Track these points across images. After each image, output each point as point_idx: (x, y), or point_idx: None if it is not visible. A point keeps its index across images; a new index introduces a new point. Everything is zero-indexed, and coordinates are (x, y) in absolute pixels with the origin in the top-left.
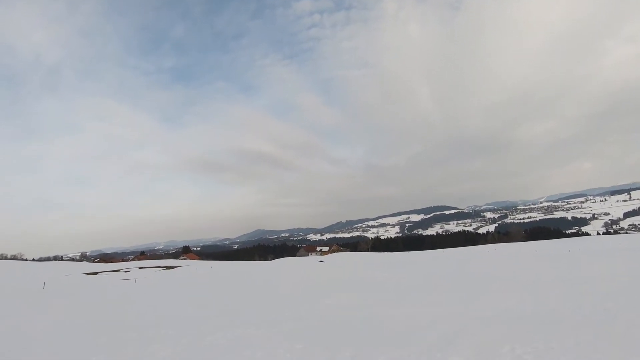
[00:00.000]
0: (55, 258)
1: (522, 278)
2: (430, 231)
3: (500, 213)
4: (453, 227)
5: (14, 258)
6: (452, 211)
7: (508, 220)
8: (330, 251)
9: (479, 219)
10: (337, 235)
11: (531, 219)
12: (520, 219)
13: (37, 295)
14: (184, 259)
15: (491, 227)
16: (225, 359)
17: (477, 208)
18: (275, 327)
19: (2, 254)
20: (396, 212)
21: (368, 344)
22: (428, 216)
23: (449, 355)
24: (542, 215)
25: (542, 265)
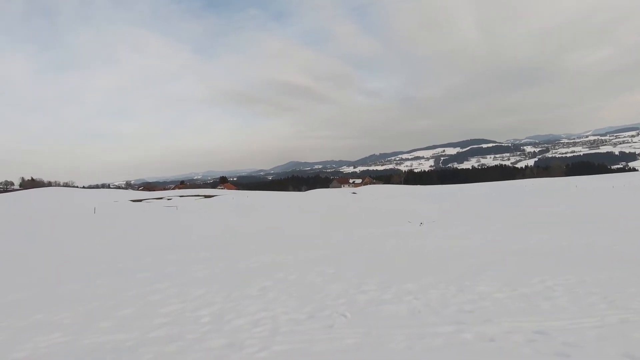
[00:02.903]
0: (103, 186)
1: (558, 213)
2: (466, 165)
3: (541, 147)
4: (490, 161)
5: (66, 185)
6: (490, 145)
7: (549, 155)
8: (363, 183)
9: (518, 153)
10: (370, 168)
11: (574, 154)
12: (563, 154)
13: (89, 219)
14: (221, 188)
15: (530, 162)
16: (259, 279)
17: (517, 142)
18: (307, 253)
19: (55, 182)
20: (431, 145)
21: (397, 271)
22: (464, 150)
23: (478, 283)
24: (587, 149)
25: (581, 201)
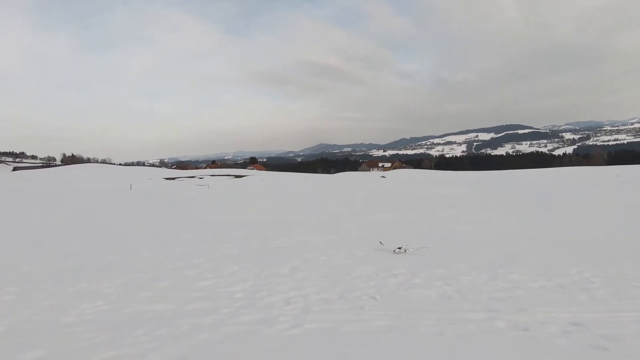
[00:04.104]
0: (139, 163)
1: (598, 203)
2: (500, 151)
3: (581, 134)
4: (525, 147)
5: (103, 162)
6: (526, 130)
7: (590, 142)
8: (392, 167)
9: (556, 139)
10: (400, 152)
11: (617, 142)
12: (605, 141)
13: (126, 195)
14: (251, 169)
15: (569, 149)
16: (290, 259)
17: (555, 128)
18: (336, 235)
19: (94, 158)
20: (464, 130)
21: (428, 256)
22: (499, 135)
23: (511, 271)
24: (632, 137)
25: (623, 191)
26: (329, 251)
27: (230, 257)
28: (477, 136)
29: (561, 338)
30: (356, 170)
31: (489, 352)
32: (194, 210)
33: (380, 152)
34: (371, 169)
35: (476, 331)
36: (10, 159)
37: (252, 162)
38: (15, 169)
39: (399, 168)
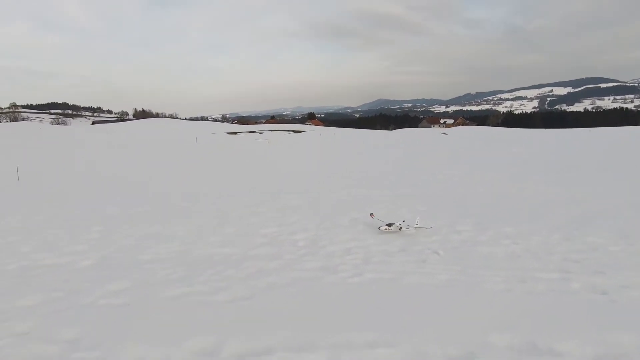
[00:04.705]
0: (202, 118)
1: None
2: (577, 107)
3: None
4: (608, 103)
5: (170, 117)
6: (610, 84)
7: None
8: (455, 124)
9: None
10: (464, 108)
11: None
12: None
13: (192, 147)
14: (309, 124)
15: None
16: (350, 211)
17: None
18: (396, 190)
19: (162, 113)
20: (536, 84)
21: (493, 214)
22: (577, 89)
23: (587, 233)
24: None
25: None
26: (389, 205)
27: (292, 208)
28: (551, 91)
29: None
30: (416, 126)
31: (561, 311)
32: (255, 163)
33: (443, 108)
34: (432, 126)
35: (547, 290)
36: (89, 114)
37: (310, 118)
38: (94, 122)
39: (462, 125)
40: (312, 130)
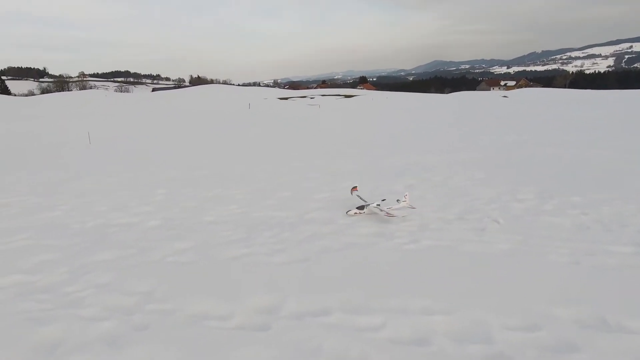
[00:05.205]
0: (255, 84)
1: None
2: None
3: None
4: None
5: (224, 83)
6: None
7: None
8: (517, 86)
9: None
10: (528, 69)
11: None
12: None
13: (246, 112)
14: (361, 88)
15: None
16: (404, 177)
17: None
18: (451, 155)
19: (216, 79)
20: (613, 40)
21: (558, 182)
22: None
23: None
24: None
25: None
26: (445, 171)
27: (344, 173)
28: (630, 47)
29: None
30: (474, 89)
31: (635, 287)
32: (307, 128)
33: (504, 69)
34: (492, 88)
35: (620, 265)
36: (149, 81)
37: (361, 82)
38: (153, 89)
39: (525, 87)
40: (364, 95)
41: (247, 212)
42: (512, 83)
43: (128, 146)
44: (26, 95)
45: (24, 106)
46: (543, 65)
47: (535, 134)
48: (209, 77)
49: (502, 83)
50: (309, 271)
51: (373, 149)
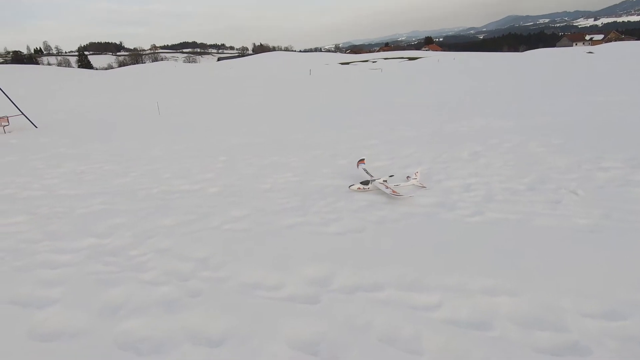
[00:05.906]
0: (316, 50)
1: None
2: None
3: None
4: None
5: (286, 49)
6: None
7: None
8: (605, 40)
9: None
10: (619, 20)
11: None
12: None
13: (306, 79)
14: (426, 50)
15: None
16: (469, 144)
17: None
18: (524, 120)
19: (278, 46)
20: None
21: (614, 149)
22: None
23: None
24: None
25: None
26: (516, 136)
27: (406, 140)
28: None
29: None
30: (553, 46)
31: None
32: (368, 94)
33: (590, 22)
34: (575, 44)
35: None
36: (215, 51)
37: (427, 43)
38: (219, 59)
39: (616, 41)
40: (429, 57)
41: (303, 181)
42: (600, 37)
43: (193, 115)
44: (106, 68)
45: (104, 79)
46: (639, 15)
47: (624, 92)
48: (271, 45)
49: (588, 37)
50: (363, 242)
51: (435, 114)
